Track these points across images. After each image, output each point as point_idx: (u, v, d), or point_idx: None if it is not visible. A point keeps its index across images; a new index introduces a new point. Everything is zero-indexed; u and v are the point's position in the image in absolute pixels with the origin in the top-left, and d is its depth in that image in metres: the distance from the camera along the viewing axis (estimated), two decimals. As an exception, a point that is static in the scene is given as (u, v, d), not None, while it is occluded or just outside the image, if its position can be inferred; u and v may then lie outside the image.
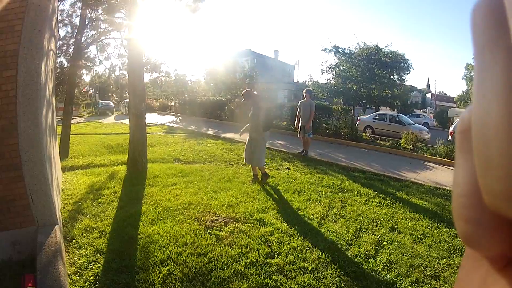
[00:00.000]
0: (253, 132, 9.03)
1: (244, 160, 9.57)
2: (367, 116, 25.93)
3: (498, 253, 0.30)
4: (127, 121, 16.75)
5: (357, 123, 22.53)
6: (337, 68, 24.83)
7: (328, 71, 25.48)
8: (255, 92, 9.43)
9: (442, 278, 5.11)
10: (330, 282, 4.80)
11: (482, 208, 0.29)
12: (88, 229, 6.25)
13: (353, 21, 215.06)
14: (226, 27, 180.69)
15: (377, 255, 5.68)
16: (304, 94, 13.51)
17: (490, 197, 0.27)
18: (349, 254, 5.63)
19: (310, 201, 7.93)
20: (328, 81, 26.25)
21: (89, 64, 20.08)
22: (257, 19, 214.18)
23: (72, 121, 15.90)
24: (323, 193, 8.56)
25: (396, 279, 5.01)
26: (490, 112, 0.26)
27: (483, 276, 0.33)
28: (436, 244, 6.18)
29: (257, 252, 5.42)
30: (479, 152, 0.28)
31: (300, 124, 13.44)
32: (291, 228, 6.41)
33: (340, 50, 24.64)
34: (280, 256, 5.36)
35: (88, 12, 15.60)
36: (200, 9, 14.83)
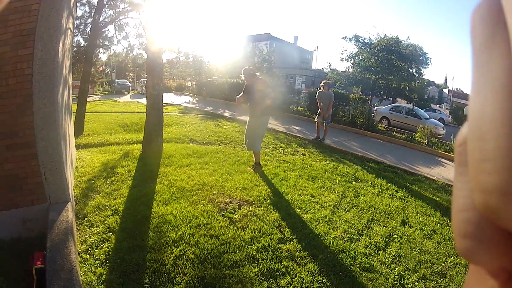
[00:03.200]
0: (251, 115, 8.60)
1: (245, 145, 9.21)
2: (383, 107, 25.88)
3: (499, 268, 0.30)
4: (143, 100, 16.73)
5: (374, 113, 22.46)
6: (357, 57, 24.63)
7: (348, 59, 25.34)
8: (257, 74, 8.95)
9: (448, 277, 5.12)
10: (340, 271, 4.81)
11: (481, 222, 0.29)
12: (100, 207, 6.29)
13: (373, 12, 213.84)
14: (247, 10, 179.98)
15: (387, 248, 5.69)
16: (322, 86, 13.64)
17: (483, 195, 0.27)
18: (359, 244, 5.64)
19: (324, 189, 7.93)
20: (347, 69, 26.17)
21: (106, 43, 20.14)
22: (277, 3, 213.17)
23: (88, 99, 15.93)
24: (337, 182, 8.56)
25: (404, 273, 5.02)
26: (486, 105, 0.27)
27: None
28: (444, 242, 6.18)
29: (269, 236, 5.44)
30: (473, 147, 0.28)
31: (321, 112, 13.61)
32: (304, 214, 6.45)
33: (360, 39, 24.49)
34: (292, 242, 5.37)
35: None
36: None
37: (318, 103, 13.72)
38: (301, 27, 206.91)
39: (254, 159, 8.92)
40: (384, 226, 6.45)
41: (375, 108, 24.29)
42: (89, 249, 5.01)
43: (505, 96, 0.25)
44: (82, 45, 19.10)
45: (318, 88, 13.87)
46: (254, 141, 8.58)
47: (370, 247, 5.61)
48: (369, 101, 22.07)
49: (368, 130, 18.83)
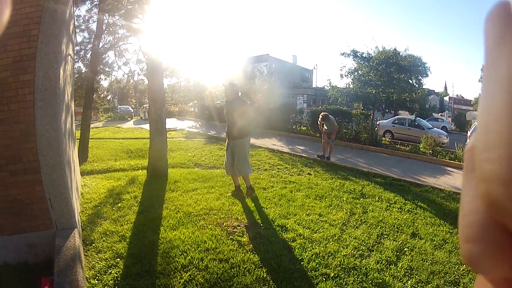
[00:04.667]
0: (234, 137, 8.11)
1: (225, 171, 8.70)
2: (386, 120, 25.99)
3: (502, 276, 0.30)
4: (146, 126, 16.76)
5: (377, 128, 22.50)
6: (356, 73, 24.68)
7: (347, 75, 25.39)
8: (240, 93, 8.61)
9: (462, 285, 5.09)
10: (352, 289, 4.76)
11: (485, 226, 0.30)
12: (107, 233, 6.27)
13: (370, 25, 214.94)
14: (245, 32, 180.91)
15: (399, 262, 5.64)
16: (321, 120, 13.77)
17: (485, 184, 0.28)
18: (370, 260, 5.59)
19: (332, 207, 7.88)
20: (347, 85, 26.20)
21: (107, 69, 20.22)
22: (275, 23, 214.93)
23: (91, 126, 16.03)
24: (345, 199, 8.52)
25: (417, 286, 4.98)
26: (493, 100, 0.28)
27: None
28: (456, 250, 6.16)
29: (279, 258, 5.37)
30: (479, 139, 0.29)
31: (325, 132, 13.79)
32: (313, 234, 6.38)
33: (358, 54, 24.53)
34: (302, 263, 5.32)
35: (105, 18, 15.74)
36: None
37: (321, 128, 13.98)
38: (299, 46, 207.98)
39: (245, 183, 8.53)
40: (394, 240, 6.40)
41: (377, 123, 24.34)
42: (97, 274, 4.99)
43: (509, 90, 0.27)
44: (83, 71, 19.20)
45: (319, 107, 13.97)
46: (244, 164, 8.22)
47: (381, 262, 5.55)
48: (371, 116, 22.10)
49: (372, 144, 18.93)
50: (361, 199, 8.74)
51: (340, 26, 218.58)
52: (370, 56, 23.44)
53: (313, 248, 5.78)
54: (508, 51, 0.28)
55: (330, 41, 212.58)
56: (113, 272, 5.03)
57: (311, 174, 11.24)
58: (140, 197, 8.24)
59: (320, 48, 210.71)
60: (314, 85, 66.85)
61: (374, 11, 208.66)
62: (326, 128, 13.65)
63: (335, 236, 6.34)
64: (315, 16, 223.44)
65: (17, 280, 4.90)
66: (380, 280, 5.02)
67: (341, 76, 25.45)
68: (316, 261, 5.39)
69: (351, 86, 25.33)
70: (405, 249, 6.09)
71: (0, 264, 5.32)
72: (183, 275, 4.87)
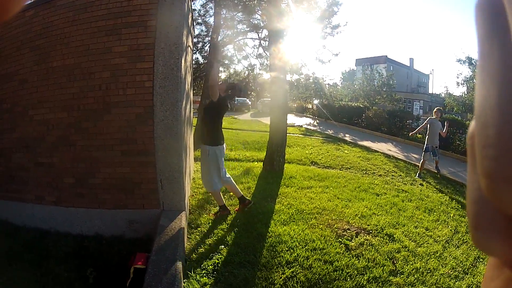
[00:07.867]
0: (204, 142, 6.72)
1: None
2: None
3: (510, 258, 0.32)
4: (263, 120, 16.82)
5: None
6: (471, 81, 23.64)
7: (463, 83, 24.37)
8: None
9: None
10: (442, 310, 4.68)
11: (492, 214, 0.32)
12: (216, 219, 6.46)
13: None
14: (362, 31, 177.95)
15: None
16: (435, 113, 12.34)
17: (487, 180, 0.30)
18: (463, 283, 5.44)
19: (439, 222, 7.67)
20: (463, 94, 25.12)
21: (226, 62, 20.42)
22: (392, 24, 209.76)
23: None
24: (451, 215, 8.24)
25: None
26: (489, 95, 0.29)
27: (503, 283, 0.35)
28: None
29: (381, 268, 5.34)
30: (479, 134, 0.30)
31: (426, 144, 12.28)
32: (417, 247, 6.28)
33: (473, 61, 23.43)
34: (402, 276, 5.26)
35: (222, 13, 16.09)
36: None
37: (422, 126, 12.86)
38: (416, 48, 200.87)
39: (217, 202, 6.96)
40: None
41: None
42: (198, 258, 5.18)
43: (503, 85, 0.28)
44: (200, 62, 19.49)
45: (431, 115, 12.91)
46: (210, 176, 6.62)
47: (471, 287, 5.44)
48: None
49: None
50: (467, 217, 8.35)
51: (458, 29, 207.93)
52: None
53: (414, 263, 5.70)
54: (500, 43, 0.29)
55: (448, 44, 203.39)
56: (214, 257, 5.20)
57: (423, 185, 10.94)
58: (254, 188, 8.43)
59: (437, 51, 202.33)
60: (430, 91, 64.69)
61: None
62: (428, 133, 12.17)
63: (437, 253, 6.21)
64: (433, 17, 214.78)
65: (107, 251, 5.25)
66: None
67: (458, 84, 24.66)
68: (415, 276, 5.33)
69: (466, 95, 24.42)
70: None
71: (92, 235, 5.73)
72: (286, 271, 4.95)
